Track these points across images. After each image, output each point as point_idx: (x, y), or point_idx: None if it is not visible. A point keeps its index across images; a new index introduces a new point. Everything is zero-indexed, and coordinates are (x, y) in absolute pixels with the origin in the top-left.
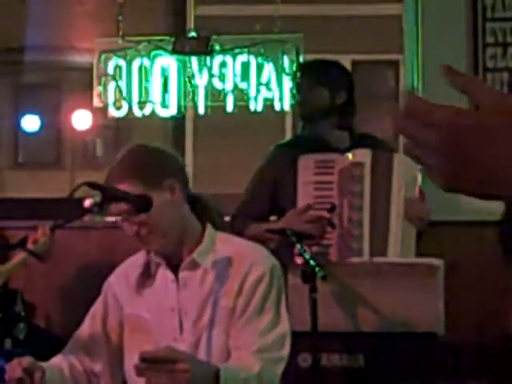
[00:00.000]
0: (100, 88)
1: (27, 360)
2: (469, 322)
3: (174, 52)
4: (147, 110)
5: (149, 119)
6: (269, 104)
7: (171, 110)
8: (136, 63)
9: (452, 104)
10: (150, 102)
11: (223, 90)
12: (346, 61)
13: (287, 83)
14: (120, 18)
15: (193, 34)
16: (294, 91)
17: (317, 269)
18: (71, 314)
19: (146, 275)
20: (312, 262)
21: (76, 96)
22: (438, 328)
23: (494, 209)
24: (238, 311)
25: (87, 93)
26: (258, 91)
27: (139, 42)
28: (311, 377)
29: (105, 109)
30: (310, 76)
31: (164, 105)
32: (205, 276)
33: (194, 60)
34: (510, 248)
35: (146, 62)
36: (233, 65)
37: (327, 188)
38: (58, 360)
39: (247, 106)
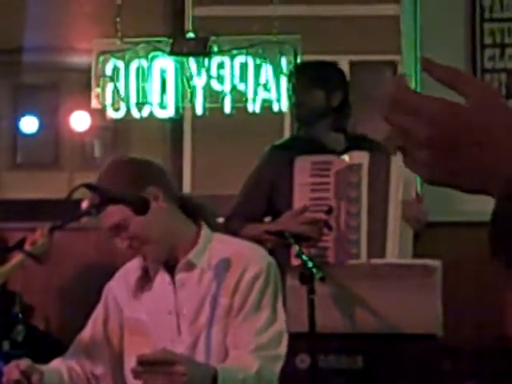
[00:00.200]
0: (98, 89)
1: (25, 362)
2: (467, 324)
3: (172, 53)
4: (145, 112)
5: (147, 120)
6: (267, 105)
7: (169, 111)
8: (134, 64)
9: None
10: (148, 103)
11: (221, 91)
12: (343, 61)
13: (285, 84)
14: (118, 19)
15: (191, 35)
16: (290, 93)
17: (315, 270)
18: (70, 316)
19: (145, 278)
20: (310, 264)
21: (74, 97)
22: (436, 329)
23: (492, 210)
24: (235, 309)
25: (85, 94)
26: (255, 92)
27: (137, 43)
28: (309, 378)
29: (103, 110)
30: (305, 77)
31: (162, 106)
32: (202, 276)
33: (192, 61)
34: (497, 249)
35: (144, 63)
36: (231, 66)
37: (324, 190)
38: (56, 363)
39: (245, 107)
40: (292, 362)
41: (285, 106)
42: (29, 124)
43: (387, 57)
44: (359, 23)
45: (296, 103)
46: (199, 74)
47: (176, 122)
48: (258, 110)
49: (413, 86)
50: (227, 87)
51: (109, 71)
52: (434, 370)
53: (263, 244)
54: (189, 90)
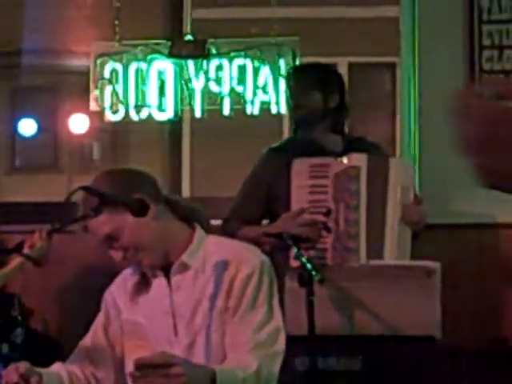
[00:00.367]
0: (97, 92)
1: (24, 365)
2: (466, 325)
3: (170, 55)
4: (144, 114)
5: (145, 123)
6: (265, 107)
7: (168, 114)
8: (132, 67)
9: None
10: (147, 105)
11: (220, 93)
12: (342, 63)
13: (284, 86)
14: (116, 21)
15: (189, 37)
16: (287, 95)
17: (314, 272)
18: (69, 319)
19: (143, 282)
20: (309, 266)
21: (73, 100)
22: (435, 331)
23: (491, 212)
24: (231, 309)
25: (84, 96)
26: (254, 94)
27: (136, 46)
28: (308, 380)
29: (101, 112)
30: (302, 80)
31: (161, 108)
32: (196, 277)
33: (191, 63)
34: None
35: (143, 65)
36: (229, 68)
37: (322, 192)
38: (56, 367)
39: (244, 110)
40: (291, 364)
41: (283, 108)
42: (27, 127)
43: (386, 58)
44: (358, 25)
45: (293, 105)
46: (198, 76)
47: (175, 125)
48: (256, 112)
49: (411, 86)
50: (226, 89)
51: (107, 74)
52: (433, 371)
53: (261, 246)
54: (187, 93)
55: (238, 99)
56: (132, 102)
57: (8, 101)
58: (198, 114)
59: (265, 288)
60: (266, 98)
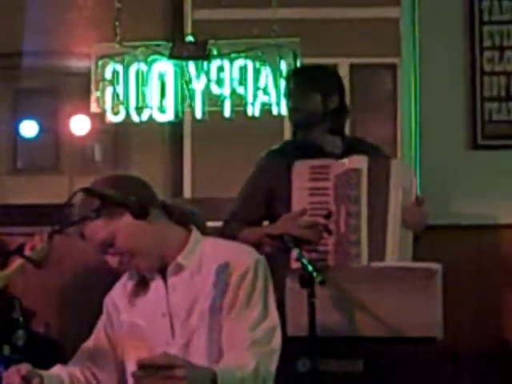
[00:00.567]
0: (98, 93)
1: (25, 367)
2: (467, 327)
3: (171, 57)
4: (145, 115)
5: (146, 124)
6: (266, 108)
7: (169, 115)
8: (133, 68)
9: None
10: (148, 106)
11: (221, 94)
12: (343, 64)
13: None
14: (117, 23)
15: (190, 38)
16: (287, 97)
17: (315, 274)
18: (70, 321)
19: (142, 284)
20: (310, 267)
21: (74, 101)
22: (437, 332)
23: (491, 213)
24: (227, 308)
25: (85, 98)
26: (255, 96)
27: (136, 47)
28: (310, 382)
29: (102, 114)
30: (302, 82)
31: (161, 110)
32: (191, 277)
33: (192, 65)
34: None
35: (144, 66)
36: (230, 69)
37: (323, 194)
38: (57, 369)
39: (245, 111)
40: (292, 366)
41: (284, 109)
42: (29, 128)
43: (387, 59)
44: (359, 26)
45: (293, 107)
46: (198, 77)
47: (175, 126)
48: (257, 114)
49: (412, 87)
50: (227, 91)
51: (108, 75)
52: (434, 373)
53: (263, 248)
54: (188, 94)
55: (238, 100)
56: (133, 103)
57: (9, 102)
58: (198, 115)
59: (260, 285)
60: (266, 99)
